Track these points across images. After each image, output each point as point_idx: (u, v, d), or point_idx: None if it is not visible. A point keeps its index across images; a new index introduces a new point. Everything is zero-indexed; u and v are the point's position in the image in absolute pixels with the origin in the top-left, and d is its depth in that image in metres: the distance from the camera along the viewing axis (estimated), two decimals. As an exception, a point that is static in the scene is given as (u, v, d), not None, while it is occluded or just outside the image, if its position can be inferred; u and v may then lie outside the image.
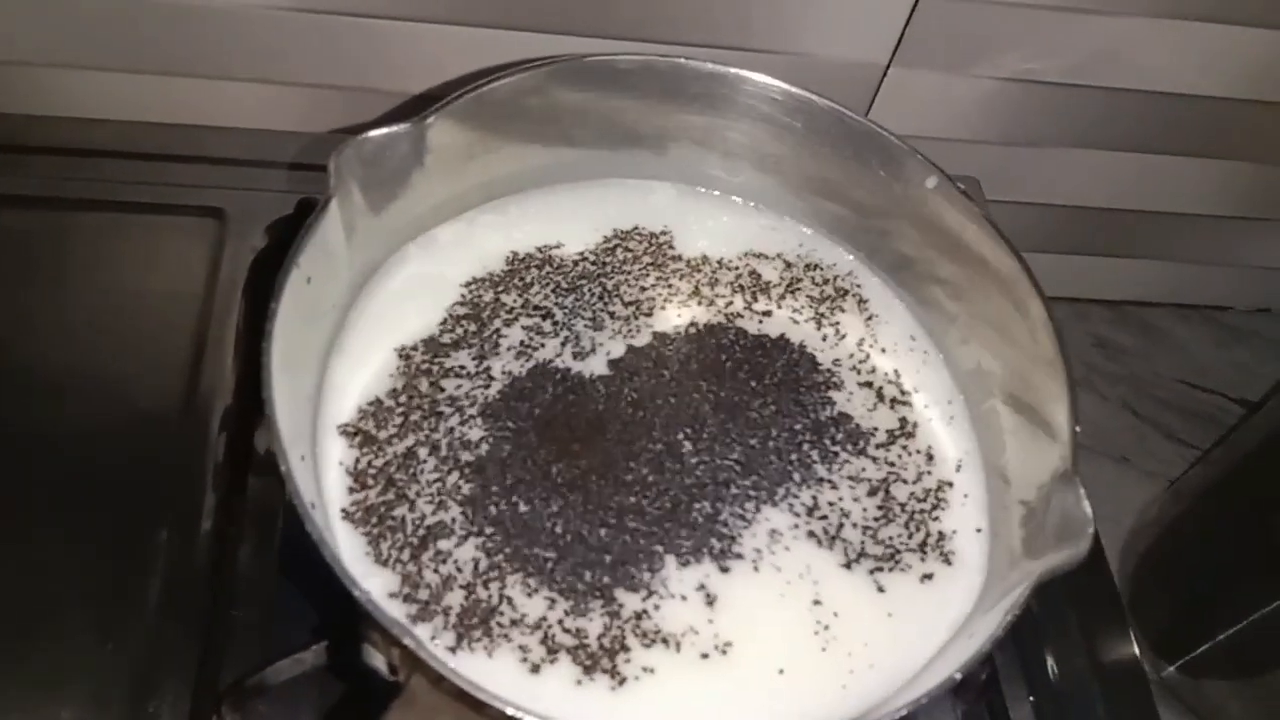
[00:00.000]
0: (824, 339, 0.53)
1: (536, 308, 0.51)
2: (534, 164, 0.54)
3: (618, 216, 0.55)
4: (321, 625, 0.46)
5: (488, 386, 0.48)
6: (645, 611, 0.43)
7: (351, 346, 0.48)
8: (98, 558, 0.47)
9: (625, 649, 0.42)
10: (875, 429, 0.50)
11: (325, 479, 0.44)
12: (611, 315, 0.52)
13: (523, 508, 0.44)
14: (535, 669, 0.41)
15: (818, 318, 0.54)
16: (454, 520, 0.44)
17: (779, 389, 0.51)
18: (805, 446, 0.49)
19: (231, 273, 0.56)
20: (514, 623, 0.41)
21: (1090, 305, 0.78)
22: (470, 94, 0.46)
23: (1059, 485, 0.40)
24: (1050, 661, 0.53)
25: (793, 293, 0.54)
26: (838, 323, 0.54)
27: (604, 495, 0.45)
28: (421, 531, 0.43)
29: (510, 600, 0.42)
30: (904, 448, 0.50)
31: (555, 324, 0.51)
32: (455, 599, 0.42)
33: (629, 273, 0.54)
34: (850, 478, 0.49)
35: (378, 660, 0.34)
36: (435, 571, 0.42)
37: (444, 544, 0.43)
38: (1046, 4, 0.59)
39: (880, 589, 0.45)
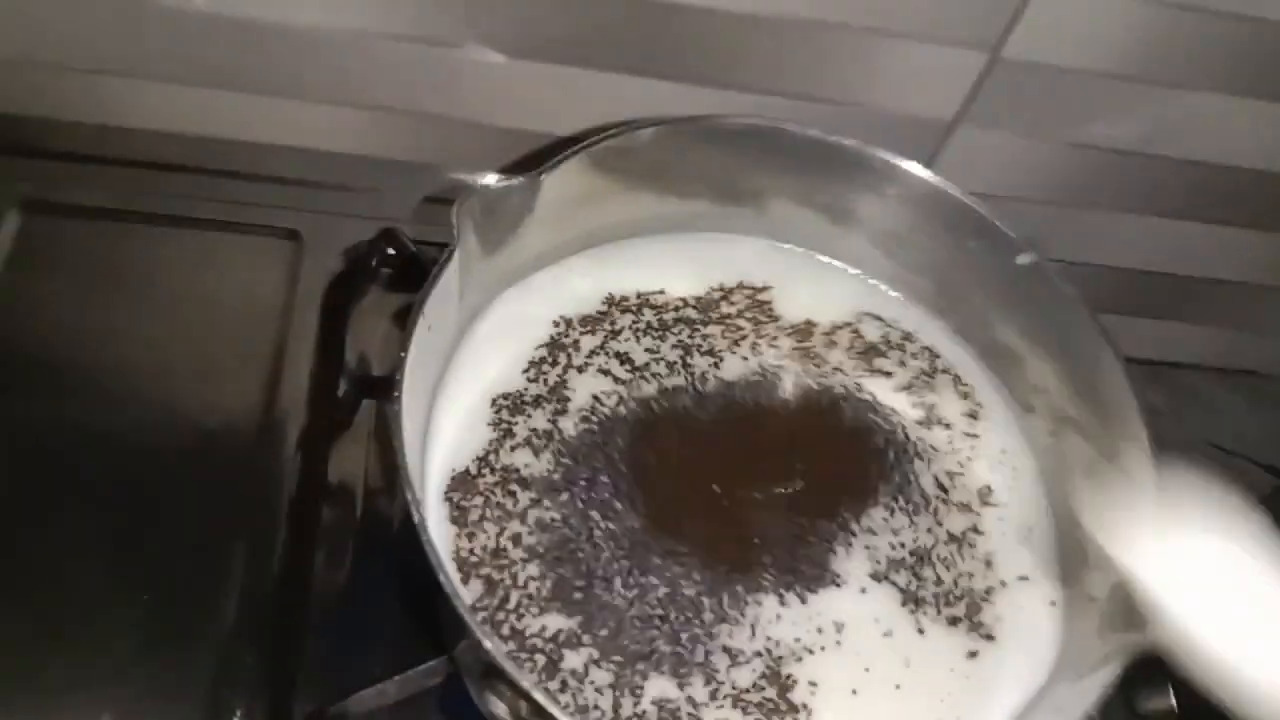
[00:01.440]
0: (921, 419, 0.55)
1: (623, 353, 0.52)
2: (638, 214, 0.54)
3: (719, 268, 0.57)
4: (401, 655, 0.47)
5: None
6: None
7: (453, 392, 0.49)
8: (171, 577, 0.47)
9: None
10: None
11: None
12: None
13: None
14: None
15: (912, 390, 0.55)
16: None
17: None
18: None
19: (307, 295, 0.57)
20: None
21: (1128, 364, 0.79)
22: (584, 150, 0.47)
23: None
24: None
25: (894, 362, 0.56)
26: (934, 403, 0.55)
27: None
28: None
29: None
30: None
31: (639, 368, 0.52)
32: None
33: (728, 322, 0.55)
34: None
35: (499, 709, 0.34)
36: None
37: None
38: (1120, 73, 0.60)
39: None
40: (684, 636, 0.44)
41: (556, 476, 0.47)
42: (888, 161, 0.53)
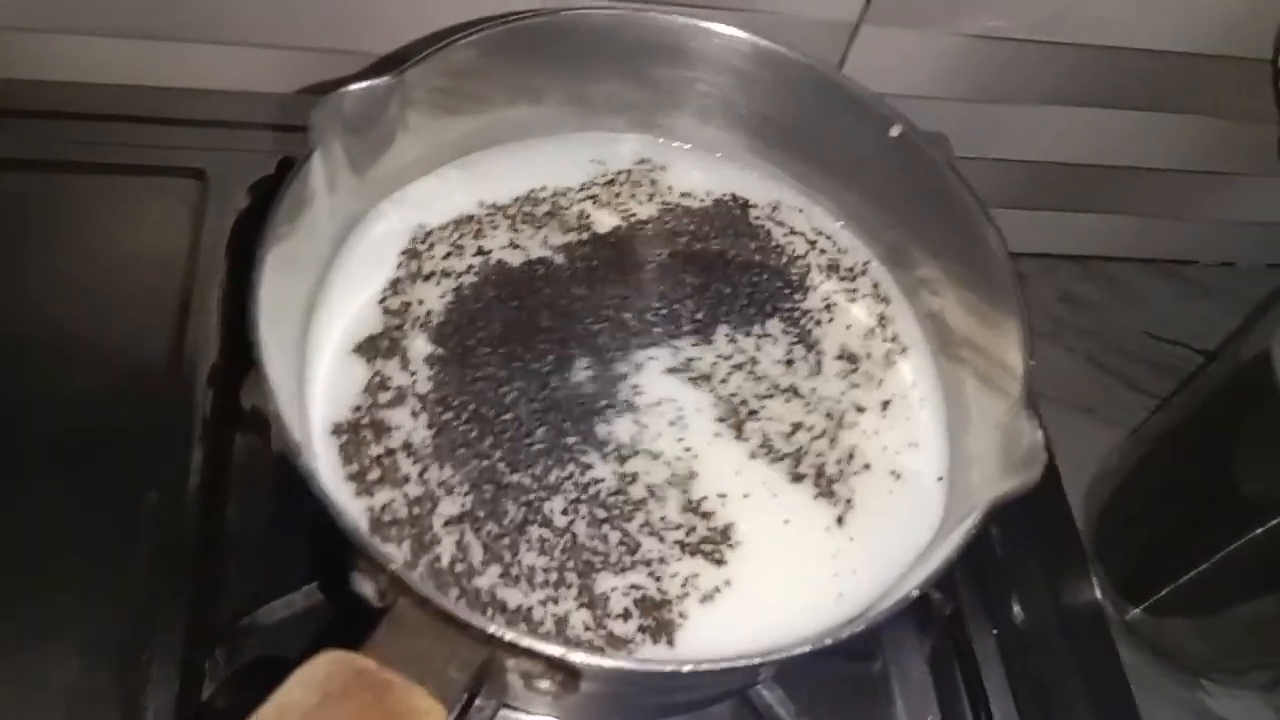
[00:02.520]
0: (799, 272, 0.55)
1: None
2: (506, 120, 0.54)
3: (591, 164, 0.57)
4: (312, 567, 0.48)
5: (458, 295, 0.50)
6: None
7: (331, 299, 0.49)
8: (88, 517, 0.49)
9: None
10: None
11: (312, 416, 0.45)
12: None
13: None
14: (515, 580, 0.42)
15: (790, 257, 0.55)
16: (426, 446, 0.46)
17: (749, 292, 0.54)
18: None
19: (214, 233, 0.57)
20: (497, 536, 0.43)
21: (1057, 260, 0.80)
22: (444, 49, 0.47)
23: (1014, 418, 0.42)
24: (1015, 604, 0.55)
25: (767, 231, 0.56)
26: (808, 263, 0.55)
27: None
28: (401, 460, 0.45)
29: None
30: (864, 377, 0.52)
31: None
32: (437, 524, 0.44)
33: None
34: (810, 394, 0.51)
35: (366, 587, 0.35)
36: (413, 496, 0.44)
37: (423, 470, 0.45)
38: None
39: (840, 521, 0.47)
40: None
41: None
42: (757, 44, 0.53)
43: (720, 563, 0.45)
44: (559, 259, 0.53)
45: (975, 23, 0.63)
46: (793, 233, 0.56)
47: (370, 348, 0.48)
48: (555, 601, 0.42)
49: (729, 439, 0.48)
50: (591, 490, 0.45)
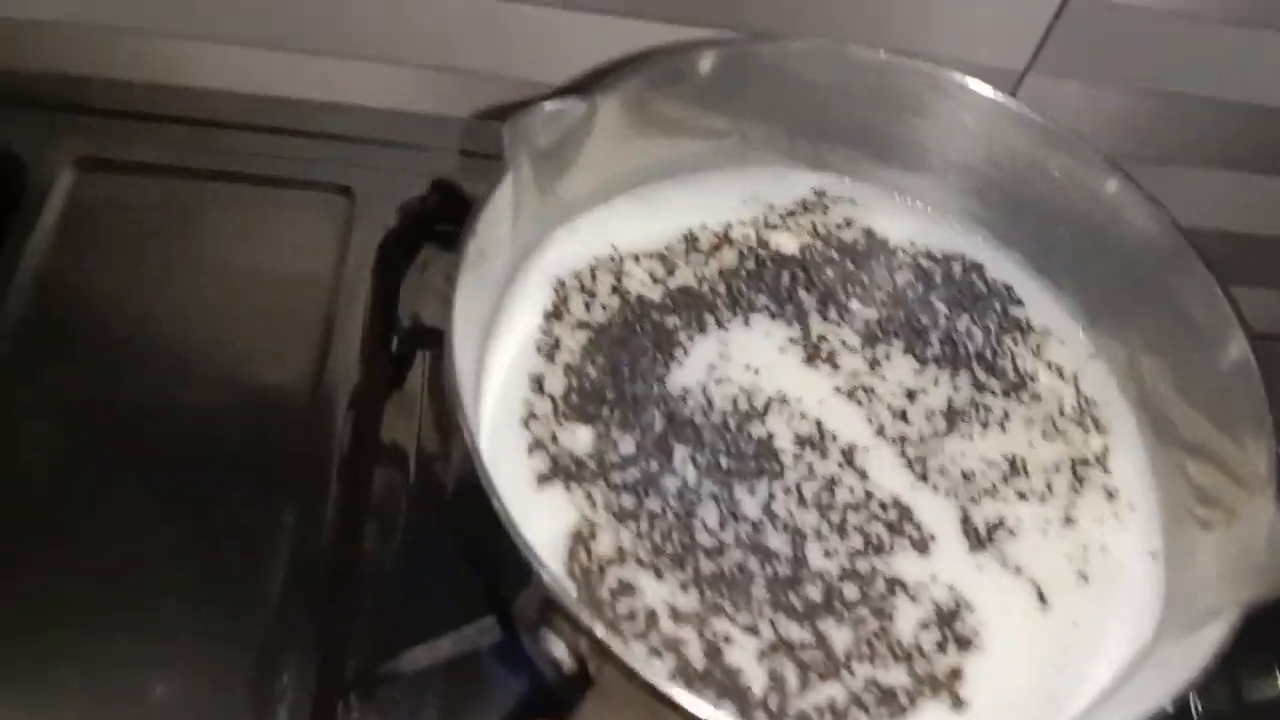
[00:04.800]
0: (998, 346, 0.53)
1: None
2: (691, 148, 0.53)
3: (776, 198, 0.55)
4: (454, 614, 0.45)
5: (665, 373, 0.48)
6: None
7: (509, 320, 0.47)
8: (221, 538, 0.47)
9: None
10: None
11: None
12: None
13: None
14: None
15: (989, 329, 0.53)
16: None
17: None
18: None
19: (360, 253, 0.55)
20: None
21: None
22: (638, 72, 0.45)
23: (1259, 513, 0.39)
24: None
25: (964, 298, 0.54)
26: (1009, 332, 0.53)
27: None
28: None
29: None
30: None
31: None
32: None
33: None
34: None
35: (559, 649, 0.33)
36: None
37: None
38: (1196, 12, 0.57)
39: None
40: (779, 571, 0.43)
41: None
42: (963, 85, 0.51)
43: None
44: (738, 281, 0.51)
45: (1162, 77, 0.60)
46: (987, 289, 0.54)
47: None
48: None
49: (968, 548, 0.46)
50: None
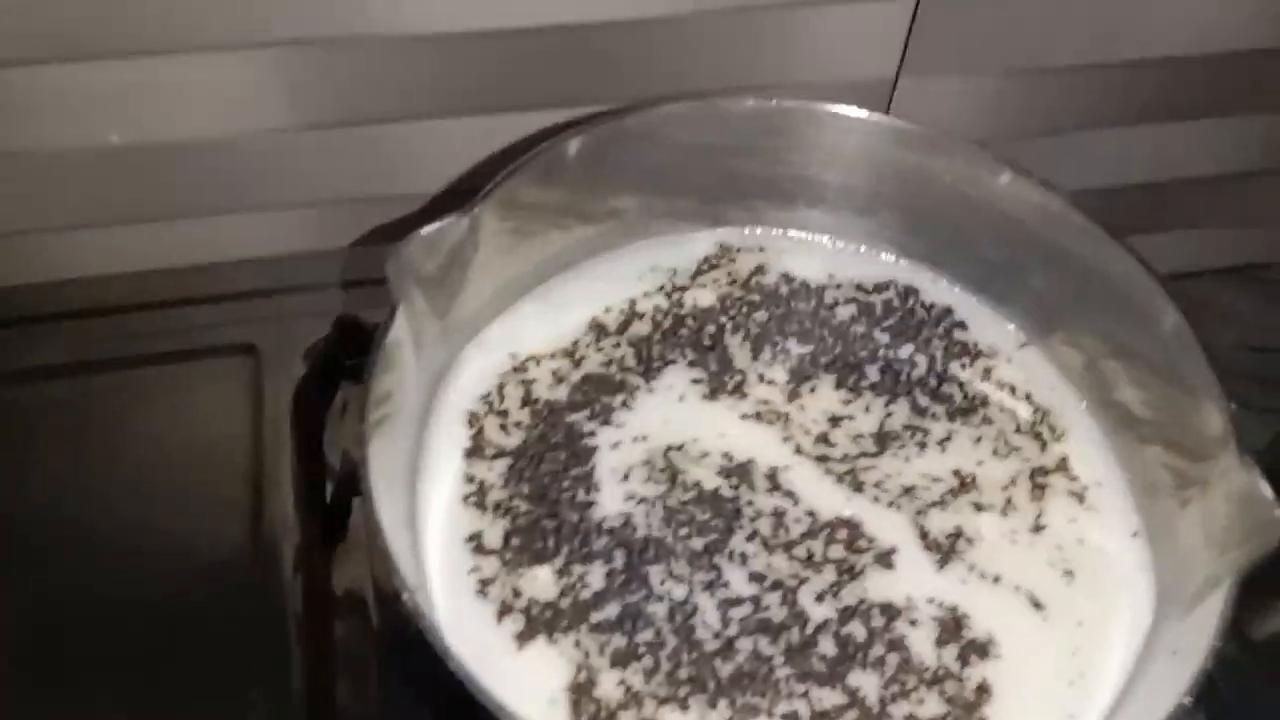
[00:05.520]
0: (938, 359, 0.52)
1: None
2: (582, 235, 0.52)
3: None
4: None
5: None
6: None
7: (431, 463, 0.46)
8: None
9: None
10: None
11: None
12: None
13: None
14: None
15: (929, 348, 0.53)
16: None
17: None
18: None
19: (276, 406, 0.54)
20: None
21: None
22: (511, 176, 0.45)
23: (1228, 473, 0.38)
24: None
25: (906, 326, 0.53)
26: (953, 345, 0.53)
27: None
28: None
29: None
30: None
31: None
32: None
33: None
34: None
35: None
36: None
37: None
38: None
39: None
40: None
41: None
42: (834, 113, 0.51)
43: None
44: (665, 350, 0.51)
45: (1025, 55, 0.61)
46: (927, 315, 0.54)
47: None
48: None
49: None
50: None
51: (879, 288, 0.55)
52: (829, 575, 0.44)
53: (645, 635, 0.41)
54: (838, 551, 0.45)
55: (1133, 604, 0.43)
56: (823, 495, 0.47)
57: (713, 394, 0.50)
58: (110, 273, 0.58)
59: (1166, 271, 0.75)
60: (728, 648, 0.41)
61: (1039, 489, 0.47)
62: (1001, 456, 0.48)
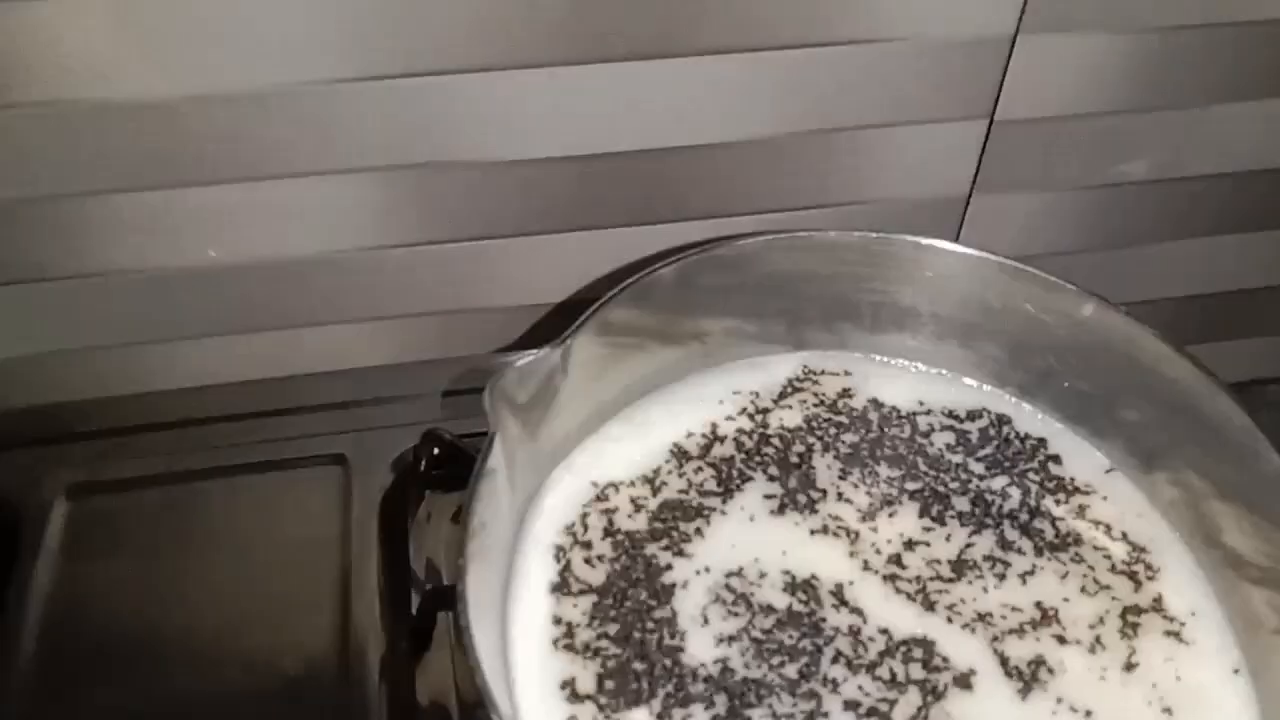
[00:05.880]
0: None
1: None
2: (668, 359, 0.53)
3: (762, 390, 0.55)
4: None
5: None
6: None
7: (520, 596, 0.46)
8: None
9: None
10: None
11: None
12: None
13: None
14: None
15: (1023, 481, 0.52)
16: None
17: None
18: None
19: (363, 515, 0.55)
20: None
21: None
22: (606, 304, 0.46)
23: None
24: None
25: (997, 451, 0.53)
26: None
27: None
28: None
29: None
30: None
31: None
32: None
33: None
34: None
35: None
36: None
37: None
38: (1119, 108, 0.58)
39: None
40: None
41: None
42: (916, 244, 0.52)
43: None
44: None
45: (1099, 173, 0.61)
46: (1022, 445, 0.54)
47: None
48: None
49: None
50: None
51: (971, 415, 0.55)
52: (914, 698, 0.44)
53: None
54: (918, 671, 0.44)
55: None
56: (891, 613, 0.46)
57: (780, 509, 0.50)
58: (205, 384, 0.60)
59: (1251, 377, 0.75)
60: None
61: (1131, 627, 0.46)
62: (1090, 594, 0.47)
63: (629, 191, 0.56)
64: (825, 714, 0.43)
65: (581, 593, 0.46)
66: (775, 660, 0.44)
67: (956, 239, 0.63)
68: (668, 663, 0.44)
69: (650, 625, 0.45)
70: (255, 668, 0.50)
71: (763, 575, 0.47)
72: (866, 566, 0.48)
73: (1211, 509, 0.48)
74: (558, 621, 0.45)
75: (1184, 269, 0.69)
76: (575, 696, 0.43)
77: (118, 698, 0.49)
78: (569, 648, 0.44)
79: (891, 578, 0.47)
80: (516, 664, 0.43)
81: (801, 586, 0.47)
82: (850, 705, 0.43)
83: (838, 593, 0.47)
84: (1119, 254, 0.67)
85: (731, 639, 0.45)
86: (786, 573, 0.47)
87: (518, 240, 0.57)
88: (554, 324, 0.60)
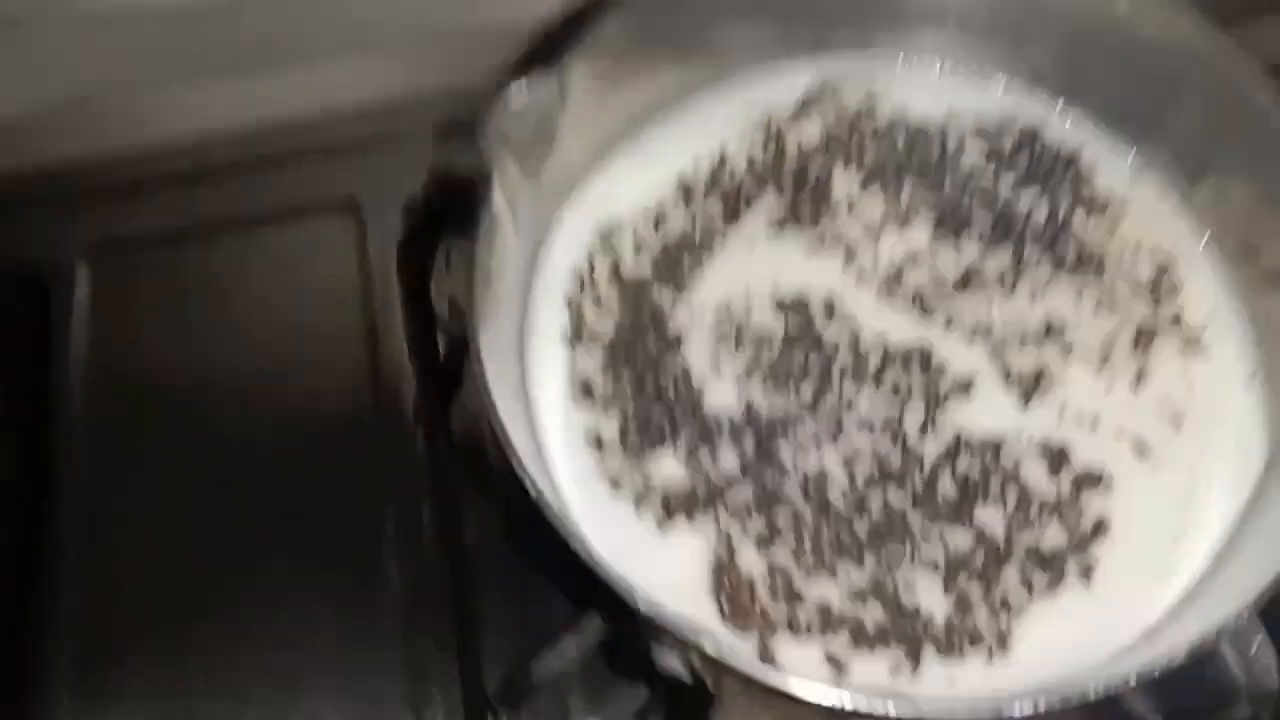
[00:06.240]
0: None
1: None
2: (671, 82, 0.50)
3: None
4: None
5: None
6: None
7: (536, 348, 0.46)
8: (339, 562, 0.48)
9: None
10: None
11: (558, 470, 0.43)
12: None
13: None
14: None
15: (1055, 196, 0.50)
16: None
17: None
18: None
19: (381, 257, 0.55)
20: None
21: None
22: (602, 24, 0.43)
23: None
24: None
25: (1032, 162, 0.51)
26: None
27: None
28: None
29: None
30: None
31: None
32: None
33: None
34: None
35: (673, 661, 0.33)
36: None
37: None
38: None
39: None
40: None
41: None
42: None
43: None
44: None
45: None
46: (1056, 159, 0.50)
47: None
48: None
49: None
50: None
51: (1004, 124, 0.52)
52: (919, 406, 0.44)
53: (783, 517, 0.42)
54: (919, 380, 0.45)
55: (1243, 450, 0.43)
56: (884, 321, 0.46)
57: (780, 226, 0.48)
58: (207, 129, 0.58)
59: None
60: (860, 506, 0.42)
61: (1144, 344, 0.46)
62: (1104, 315, 0.47)
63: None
64: (845, 433, 0.43)
65: (594, 342, 0.46)
66: (790, 387, 0.45)
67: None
68: (689, 410, 0.44)
69: (663, 376, 0.45)
70: (294, 411, 0.52)
71: (750, 304, 0.47)
72: (860, 278, 0.47)
73: (1252, 219, 0.46)
74: (575, 372, 0.45)
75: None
76: (600, 445, 0.44)
77: (167, 444, 0.51)
78: (589, 397, 0.45)
79: (886, 289, 0.47)
80: (540, 416, 0.44)
81: (792, 306, 0.46)
82: (864, 424, 0.44)
83: (828, 306, 0.46)
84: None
85: (747, 375, 0.45)
86: (775, 296, 0.47)
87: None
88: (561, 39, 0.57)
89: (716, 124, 0.51)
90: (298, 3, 0.54)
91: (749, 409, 0.44)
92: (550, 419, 0.44)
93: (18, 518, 0.50)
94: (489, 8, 0.56)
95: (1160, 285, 0.47)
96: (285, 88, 0.58)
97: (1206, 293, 0.47)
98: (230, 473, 0.50)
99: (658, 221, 0.49)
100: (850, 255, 0.48)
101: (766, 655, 0.38)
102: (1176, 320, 0.46)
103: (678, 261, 0.48)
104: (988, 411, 0.44)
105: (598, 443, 0.44)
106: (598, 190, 0.50)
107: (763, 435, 0.43)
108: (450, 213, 0.55)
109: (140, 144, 0.58)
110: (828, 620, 0.39)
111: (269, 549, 0.48)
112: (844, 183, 0.50)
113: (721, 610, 0.39)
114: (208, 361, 0.53)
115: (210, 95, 0.57)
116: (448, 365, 0.53)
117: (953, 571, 0.40)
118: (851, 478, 0.42)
